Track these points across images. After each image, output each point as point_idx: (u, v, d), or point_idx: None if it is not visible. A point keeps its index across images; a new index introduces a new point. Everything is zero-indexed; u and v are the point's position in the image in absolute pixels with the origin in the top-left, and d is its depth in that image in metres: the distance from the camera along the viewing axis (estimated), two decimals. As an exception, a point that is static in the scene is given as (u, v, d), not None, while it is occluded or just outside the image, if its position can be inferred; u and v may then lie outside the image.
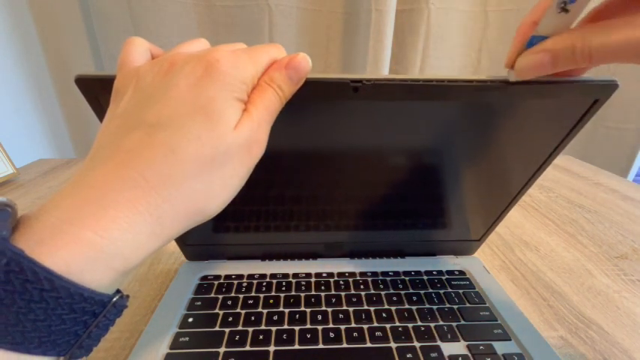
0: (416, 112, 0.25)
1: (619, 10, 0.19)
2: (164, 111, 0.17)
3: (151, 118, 0.17)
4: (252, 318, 0.31)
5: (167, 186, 0.16)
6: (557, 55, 0.19)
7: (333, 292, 0.34)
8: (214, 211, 0.20)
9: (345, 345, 0.28)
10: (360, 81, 0.22)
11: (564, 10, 0.18)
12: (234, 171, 0.19)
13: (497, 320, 0.31)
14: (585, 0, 0.18)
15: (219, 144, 0.17)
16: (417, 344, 0.29)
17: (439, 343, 0.29)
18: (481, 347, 0.28)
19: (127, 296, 0.18)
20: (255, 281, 0.35)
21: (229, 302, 0.32)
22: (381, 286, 0.35)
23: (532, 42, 0.20)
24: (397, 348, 0.28)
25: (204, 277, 0.36)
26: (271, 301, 0.33)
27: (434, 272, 0.37)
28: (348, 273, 0.37)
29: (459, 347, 0.29)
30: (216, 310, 0.31)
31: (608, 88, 0.23)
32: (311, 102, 0.24)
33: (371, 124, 0.26)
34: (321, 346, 0.28)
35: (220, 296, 0.33)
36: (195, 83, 0.17)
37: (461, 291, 0.35)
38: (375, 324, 0.30)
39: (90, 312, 0.15)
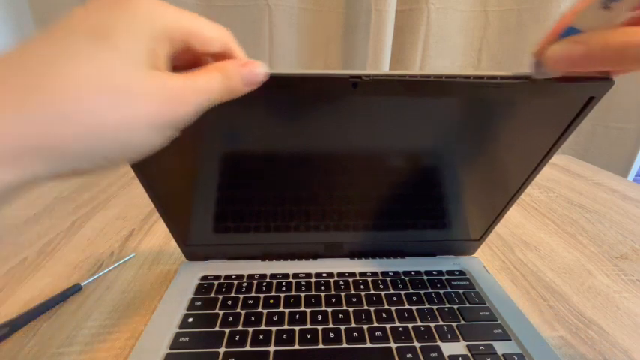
0: (415, 109, 0.26)
1: None
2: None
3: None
4: (252, 318, 0.31)
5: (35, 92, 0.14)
6: (591, 49, 0.18)
7: (333, 292, 0.34)
8: (80, 154, 0.15)
9: (345, 345, 0.28)
10: (359, 76, 0.22)
11: (607, 7, 0.18)
12: (124, 119, 0.15)
13: (497, 320, 0.31)
14: (631, 3, 0.17)
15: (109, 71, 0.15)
16: (417, 344, 0.29)
17: (439, 343, 0.29)
18: (481, 347, 0.28)
19: None
20: (255, 281, 0.35)
21: (229, 302, 0.32)
22: (381, 286, 0.35)
23: (568, 33, 0.19)
24: (397, 348, 0.28)
25: (204, 277, 0.36)
26: (271, 301, 0.33)
27: (434, 272, 0.37)
28: (348, 273, 0.37)
29: (459, 347, 0.29)
30: (216, 310, 0.31)
31: (603, 85, 0.23)
32: (310, 99, 0.24)
33: (370, 122, 0.26)
34: (321, 346, 0.28)
35: (220, 296, 0.33)
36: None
37: (461, 291, 0.35)
38: (375, 324, 0.30)
39: None
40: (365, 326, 0.30)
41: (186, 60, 0.19)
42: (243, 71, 0.19)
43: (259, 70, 0.20)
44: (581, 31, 0.19)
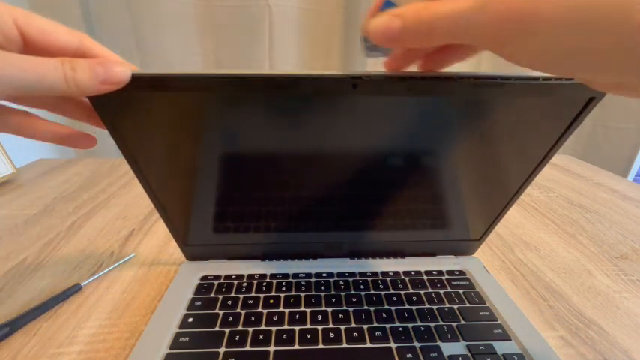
0: (415, 109, 0.26)
1: None
2: None
3: None
4: (252, 318, 0.31)
5: None
6: (406, 23, 0.17)
7: (333, 292, 0.34)
8: None
9: (345, 345, 0.28)
10: (359, 77, 0.22)
11: None
12: None
13: (497, 320, 0.31)
14: None
15: None
16: (417, 344, 0.29)
17: (439, 343, 0.29)
18: (481, 347, 0.28)
19: None
20: (255, 281, 0.35)
21: (229, 302, 0.32)
22: (381, 286, 0.35)
23: (386, 6, 0.19)
24: (397, 348, 0.28)
25: (204, 277, 0.36)
26: (271, 301, 0.33)
27: (434, 272, 0.37)
28: (348, 273, 0.37)
29: (459, 347, 0.29)
30: (216, 310, 0.31)
31: None
32: (310, 99, 0.24)
33: (370, 122, 0.26)
34: (321, 346, 0.28)
35: (220, 296, 0.33)
36: None
37: (461, 291, 0.35)
38: (375, 324, 0.30)
39: None
40: (365, 326, 0.30)
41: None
42: (97, 67, 0.19)
43: (118, 69, 0.20)
44: (397, 5, 0.18)
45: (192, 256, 0.38)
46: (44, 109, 0.25)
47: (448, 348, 0.28)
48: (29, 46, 0.21)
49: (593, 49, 0.14)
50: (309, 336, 0.29)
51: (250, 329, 0.30)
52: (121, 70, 0.20)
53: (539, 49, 0.15)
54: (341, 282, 0.35)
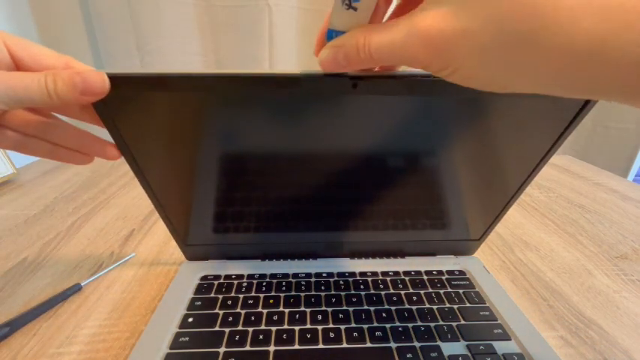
0: (415, 109, 0.26)
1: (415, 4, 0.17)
2: None
3: None
4: (252, 318, 0.31)
5: None
6: (347, 52, 0.18)
7: (333, 292, 0.34)
8: None
9: (345, 345, 0.28)
10: (359, 77, 0.22)
11: (350, 7, 0.18)
12: None
13: (497, 320, 0.31)
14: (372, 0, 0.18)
15: None
16: (417, 344, 0.29)
17: (439, 343, 0.29)
18: (481, 347, 0.28)
19: None
20: (255, 281, 0.35)
21: (229, 302, 0.32)
22: (381, 286, 0.35)
23: (330, 35, 0.19)
24: (397, 348, 0.28)
25: (204, 277, 0.36)
26: (271, 301, 0.33)
27: (434, 272, 0.37)
28: (348, 273, 0.37)
29: (459, 347, 0.29)
30: (216, 310, 0.31)
31: None
32: (311, 99, 0.24)
33: (370, 121, 0.26)
34: (321, 346, 0.28)
35: (220, 296, 0.33)
36: None
37: (461, 291, 0.35)
38: (375, 324, 0.30)
39: None
40: (365, 326, 0.30)
41: None
42: (76, 78, 0.20)
43: (95, 79, 0.21)
44: (343, 31, 0.19)
45: (192, 256, 0.38)
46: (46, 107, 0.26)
47: (448, 348, 0.28)
48: (20, 69, 0.22)
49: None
50: (309, 336, 0.29)
51: (250, 329, 0.30)
52: (98, 79, 0.21)
53: (464, 73, 0.17)
54: (341, 282, 0.35)
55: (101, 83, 0.21)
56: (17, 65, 0.22)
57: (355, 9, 0.18)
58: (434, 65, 0.17)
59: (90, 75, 0.21)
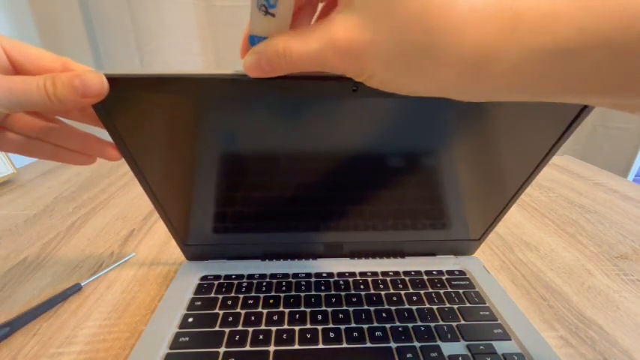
0: (415, 110, 0.26)
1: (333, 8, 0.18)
2: None
3: None
4: (252, 318, 0.31)
5: None
6: (269, 58, 0.19)
7: (333, 292, 0.34)
8: None
9: (345, 345, 0.28)
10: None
11: (268, 13, 0.18)
12: None
13: (497, 320, 0.31)
14: (288, 5, 0.18)
15: None
16: (417, 344, 0.29)
17: (439, 343, 0.29)
18: (481, 347, 0.28)
19: None
20: (255, 281, 0.35)
21: (229, 302, 0.32)
22: (381, 286, 0.35)
23: (253, 40, 0.19)
24: (397, 348, 0.28)
25: (204, 277, 0.36)
26: (271, 301, 0.33)
27: (434, 272, 0.37)
28: (348, 273, 0.37)
29: (459, 347, 0.29)
30: (216, 310, 0.31)
31: None
32: (311, 101, 0.24)
33: (370, 123, 0.26)
34: (321, 346, 0.28)
35: (220, 296, 0.33)
36: None
37: (461, 291, 0.35)
38: (375, 324, 0.30)
39: None
40: (365, 326, 0.30)
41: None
42: (75, 80, 0.20)
43: (94, 80, 0.21)
44: (265, 37, 0.19)
45: (192, 256, 0.38)
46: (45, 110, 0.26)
47: (448, 348, 0.28)
48: (18, 72, 0.22)
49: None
50: (309, 336, 0.29)
51: (250, 329, 0.30)
52: (97, 80, 0.21)
53: (379, 79, 0.17)
54: (341, 282, 0.35)
55: (100, 84, 0.21)
56: (15, 68, 0.22)
57: (273, 15, 0.18)
58: (351, 71, 0.18)
59: (88, 77, 0.21)
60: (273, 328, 0.30)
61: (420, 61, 0.16)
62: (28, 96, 0.20)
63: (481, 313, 0.32)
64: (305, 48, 0.17)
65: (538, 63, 0.14)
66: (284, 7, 0.18)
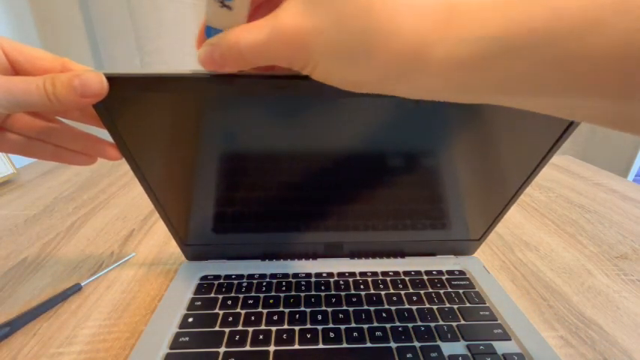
0: (415, 110, 0.26)
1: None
2: None
3: None
4: (252, 318, 0.31)
5: None
6: (222, 52, 0.18)
7: (333, 292, 0.34)
8: None
9: (345, 345, 0.28)
10: None
11: (224, 5, 0.18)
12: None
13: (497, 320, 0.31)
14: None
15: None
16: (417, 344, 0.29)
17: (439, 343, 0.29)
18: (481, 347, 0.28)
19: None
20: (255, 281, 0.35)
21: (229, 302, 0.32)
22: (381, 286, 0.35)
23: (209, 32, 0.19)
24: (397, 348, 0.28)
25: (204, 277, 0.36)
26: (271, 301, 0.33)
27: (434, 272, 0.37)
28: (348, 273, 0.37)
29: (459, 347, 0.29)
30: (216, 310, 0.31)
31: None
32: (311, 100, 0.24)
33: (370, 123, 0.26)
34: (321, 346, 0.28)
35: (220, 296, 0.33)
36: None
37: (461, 291, 0.35)
38: (375, 324, 0.30)
39: None
40: (365, 326, 0.30)
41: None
42: (74, 80, 0.20)
43: (93, 80, 0.21)
44: (221, 30, 0.18)
45: (192, 256, 0.38)
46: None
47: (448, 348, 0.28)
48: (18, 72, 0.22)
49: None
50: (309, 336, 0.29)
51: (250, 329, 0.30)
52: (97, 80, 0.21)
53: (322, 70, 0.17)
54: (341, 282, 0.35)
55: (99, 84, 0.21)
56: (14, 68, 0.22)
57: (230, 7, 0.18)
58: (296, 63, 0.17)
59: (88, 76, 0.21)
60: (273, 328, 0.30)
61: (362, 50, 0.15)
62: (28, 96, 0.20)
63: (481, 313, 0.32)
64: (254, 39, 0.17)
65: (473, 56, 0.14)
66: (241, 0, 0.17)
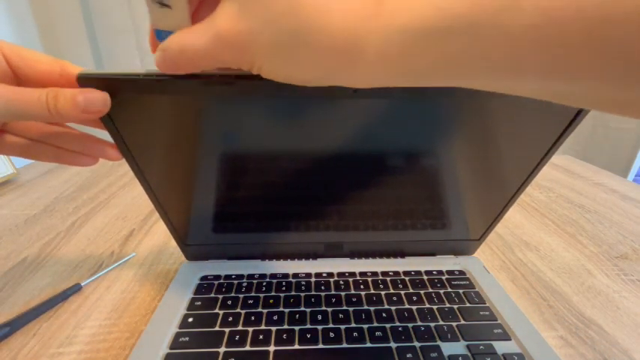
0: (415, 111, 0.26)
1: None
2: None
3: None
4: (252, 318, 0.31)
5: None
6: (172, 56, 0.18)
7: (333, 292, 0.34)
8: None
9: (345, 345, 0.28)
10: None
11: (164, 5, 0.17)
12: None
13: (497, 320, 0.31)
14: None
15: None
16: (417, 344, 0.29)
17: (439, 343, 0.29)
18: (481, 347, 0.28)
19: None
20: (255, 281, 0.35)
21: (229, 302, 0.32)
22: (381, 286, 0.35)
23: (159, 35, 0.19)
24: (397, 348, 0.28)
25: (204, 277, 0.36)
26: (271, 301, 0.33)
27: (434, 272, 0.37)
28: (348, 273, 0.37)
29: (459, 347, 0.29)
30: (216, 310, 0.31)
31: None
32: (311, 101, 0.24)
33: (371, 123, 0.26)
34: (321, 346, 0.28)
35: (220, 296, 0.33)
36: None
37: (461, 291, 0.35)
38: (375, 324, 0.30)
39: None
40: (365, 326, 0.30)
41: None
42: (78, 97, 0.21)
43: (97, 98, 0.21)
44: (171, 31, 0.18)
45: (192, 256, 0.38)
46: None
47: (448, 348, 0.28)
48: (17, 76, 0.22)
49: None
50: (309, 336, 0.29)
51: (250, 329, 0.30)
52: (100, 98, 0.21)
53: (268, 69, 0.17)
54: (341, 282, 0.35)
55: (102, 102, 0.21)
56: (14, 72, 0.22)
57: (169, 6, 0.17)
58: (243, 64, 0.18)
59: (92, 95, 0.21)
60: (273, 328, 0.30)
61: (298, 48, 0.16)
62: (29, 107, 0.20)
63: (481, 313, 0.32)
64: (197, 44, 0.17)
65: (405, 44, 0.14)
66: None
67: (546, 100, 0.16)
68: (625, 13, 0.11)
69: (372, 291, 0.34)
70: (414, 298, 0.33)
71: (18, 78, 0.22)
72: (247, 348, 0.28)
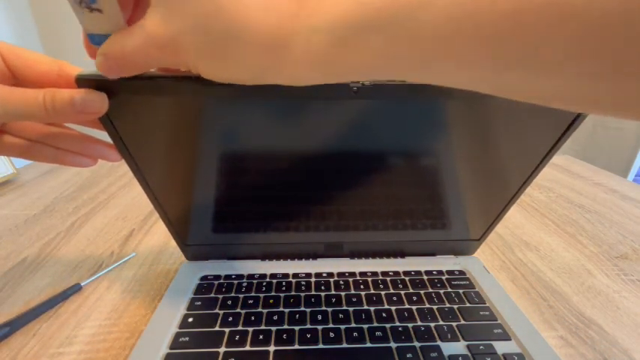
0: (415, 111, 0.26)
1: None
2: None
3: None
4: (252, 318, 0.31)
5: None
6: (114, 59, 0.18)
7: (333, 292, 0.34)
8: None
9: (345, 345, 0.28)
10: (360, 81, 0.22)
11: (94, 9, 0.17)
12: None
13: (497, 320, 0.31)
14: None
15: None
16: (417, 344, 0.29)
17: (439, 343, 0.29)
18: (481, 347, 0.28)
19: None
20: (255, 281, 0.35)
21: (229, 302, 0.32)
22: (381, 286, 0.35)
23: (93, 40, 0.18)
24: (397, 348, 0.28)
25: (204, 277, 0.36)
26: (271, 301, 0.33)
27: (434, 272, 0.37)
28: (348, 273, 0.37)
29: (459, 347, 0.29)
30: (216, 310, 0.31)
31: None
32: (311, 103, 0.24)
33: (371, 124, 0.26)
34: (321, 346, 0.28)
35: (220, 296, 0.33)
36: None
37: (461, 291, 0.35)
38: (375, 324, 0.30)
39: None
40: (365, 326, 0.30)
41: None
42: (76, 98, 0.21)
43: (94, 99, 0.21)
44: (107, 34, 0.18)
45: (192, 256, 0.38)
46: None
47: (448, 348, 0.28)
48: (15, 76, 0.22)
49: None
50: (309, 336, 0.29)
51: (250, 329, 0.30)
52: (98, 99, 0.21)
53: (203, 69, 0.18)
54: (341, 282, 0.35)
55: (100, 103, 0.21)
56: (12, 72, 0.22)
57: (100, 10, 0.17)
58: (180, 65, 0.18)
59: (90, 95, 0.21)
60: (273, 328, 0.30)
61: (226, 48, 0.16)
62: (27, 108, 0.20)
63: (481, 313, 0.32)
64: (134, 45, 0.17)
65: (329, 42, 0.15)
66: (104, 2, 0.17)
67: (490, 94, 0.16)
68: (539, 5, 0.11)
69: (372, 291, 0.34)
70: (414, 298, 0.33)
71: (16, 78, 0.22)
72: (247, 348, 0.28)
